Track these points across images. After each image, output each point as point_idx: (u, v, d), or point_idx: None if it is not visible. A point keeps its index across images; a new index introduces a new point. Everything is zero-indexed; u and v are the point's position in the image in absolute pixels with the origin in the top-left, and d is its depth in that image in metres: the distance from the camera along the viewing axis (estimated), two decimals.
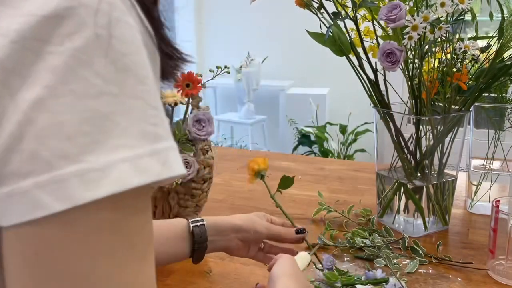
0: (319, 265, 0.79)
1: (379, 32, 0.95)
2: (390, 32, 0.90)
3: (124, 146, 0.28)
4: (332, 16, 0.92)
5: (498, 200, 0.82)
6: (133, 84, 0.29)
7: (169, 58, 0.37)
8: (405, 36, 0.84)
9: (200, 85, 0.90)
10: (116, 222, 0.29)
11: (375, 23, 0.93)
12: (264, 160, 0.82)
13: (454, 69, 0.90)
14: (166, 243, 0.69)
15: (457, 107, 0.95)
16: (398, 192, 0.99)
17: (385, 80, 0.95)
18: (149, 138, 0.29)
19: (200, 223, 0.71)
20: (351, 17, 0.92)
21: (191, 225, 0.70)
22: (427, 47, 0.87)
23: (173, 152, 0.30)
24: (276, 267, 0.61)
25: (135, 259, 0.31)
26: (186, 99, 0.93)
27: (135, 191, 0.28)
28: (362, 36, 0.96)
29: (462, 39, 0.90)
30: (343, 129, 3.34)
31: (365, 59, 0.95)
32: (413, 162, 0.97)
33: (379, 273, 0.79)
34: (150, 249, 0.32)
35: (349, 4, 0.90)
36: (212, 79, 0.94)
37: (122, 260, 0.30)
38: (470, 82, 0.93)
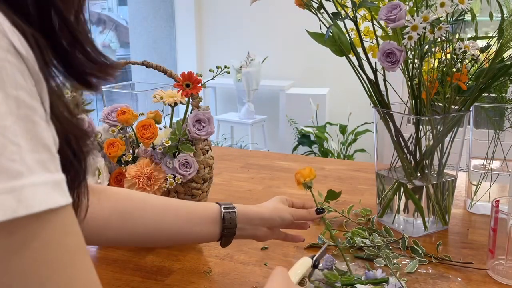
0: (320, 265, 0.79)
1: (379, 32, 0.95)
2: (390, 32, 0.91)
3: None
4: (332, 16, 0.92)
5: (498, 200, 0.82)
6: None
7: (94, 64, 0.38)
8: (405, 36, 0.84)
9: (200, 85, 0.90)
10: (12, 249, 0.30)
11: (375, 23, 0.93)
12: (310, 171, 0.86)
13: (454, 69, 0.90)
14: (199, 223, 0.74)
15: (457, 107, 0.95)
16: (398, 192, 0.99)
17: (385, 80, 0.95)
18: (6, 175, 0.29)
19: (231, 210, 0.75)
20: (351, 17, 0.92)
21: (223, 211, 0.75)
22: (427, 47, 0.87)
23: (33, 189, 0.30)
24: (266, 284, 0.59)
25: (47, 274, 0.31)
26: (186, 99, 0.93)
27: (26, 219, 0.29)
28: (362, 36, 0.96)
29: (462, 39, 0.90)
30: (343, 129, 3.34)
31: (365, 59, 0.95)
32: (413, 162, 0.97)
33: (379, 273, 0.79)
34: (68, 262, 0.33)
35: (349, 4, 0.90)
36: (212, 79, 0.94)
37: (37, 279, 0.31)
38: (470, 82, 0.93)
